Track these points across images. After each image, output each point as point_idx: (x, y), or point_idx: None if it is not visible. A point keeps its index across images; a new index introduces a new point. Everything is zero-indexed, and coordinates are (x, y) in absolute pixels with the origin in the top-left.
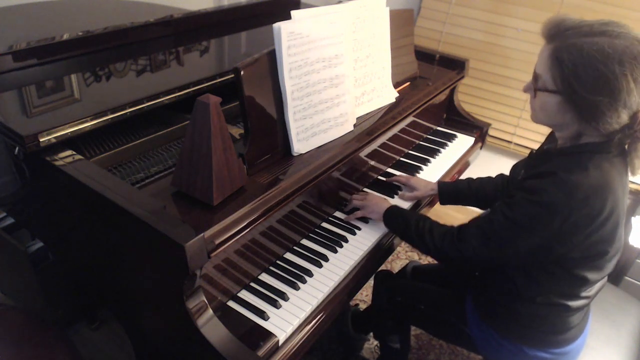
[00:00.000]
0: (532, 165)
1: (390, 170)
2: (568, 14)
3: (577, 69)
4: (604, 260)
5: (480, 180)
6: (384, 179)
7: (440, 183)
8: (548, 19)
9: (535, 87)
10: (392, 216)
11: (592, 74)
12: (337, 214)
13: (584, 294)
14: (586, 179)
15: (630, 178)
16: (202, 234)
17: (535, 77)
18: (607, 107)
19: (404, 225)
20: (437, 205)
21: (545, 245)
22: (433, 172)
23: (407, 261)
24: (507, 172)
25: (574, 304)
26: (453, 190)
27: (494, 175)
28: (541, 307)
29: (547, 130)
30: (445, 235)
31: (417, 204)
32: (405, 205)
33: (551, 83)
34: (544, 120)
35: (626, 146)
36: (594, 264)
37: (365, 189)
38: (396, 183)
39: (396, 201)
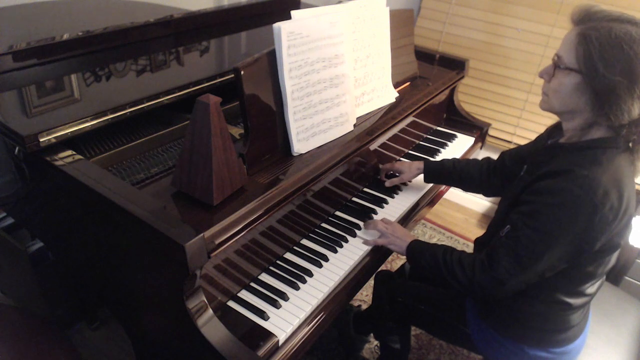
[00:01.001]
0: (537, 162)
1: None
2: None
3: (602, 47)
4: (614, 254)
5: (466, 161)
6: (384, 179)
7: (426, 161)
8: (578, 5)
9: (555, 65)
10: (416, 251)
11: (617, 54)
12: (338, 213)
13: (587, 290)
14: (603, 174)
15: None
16: (202, 234)
17: (557, 58)
18: (623, 91)
19: (431, 260)
20: (437, 205)
21: (575, 249)
22: None
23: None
24: None
25: (576, 301)
26: (439, 168)
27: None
28: (543, 306)
29: None
30: (475, 264)
31: (416, 205)
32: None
33: (573, 62)
34: (556, 105)
35: (630, 144)
36: (606, 259)
37: (378, 217)
38: (385, 180)
39: (396, 200)
